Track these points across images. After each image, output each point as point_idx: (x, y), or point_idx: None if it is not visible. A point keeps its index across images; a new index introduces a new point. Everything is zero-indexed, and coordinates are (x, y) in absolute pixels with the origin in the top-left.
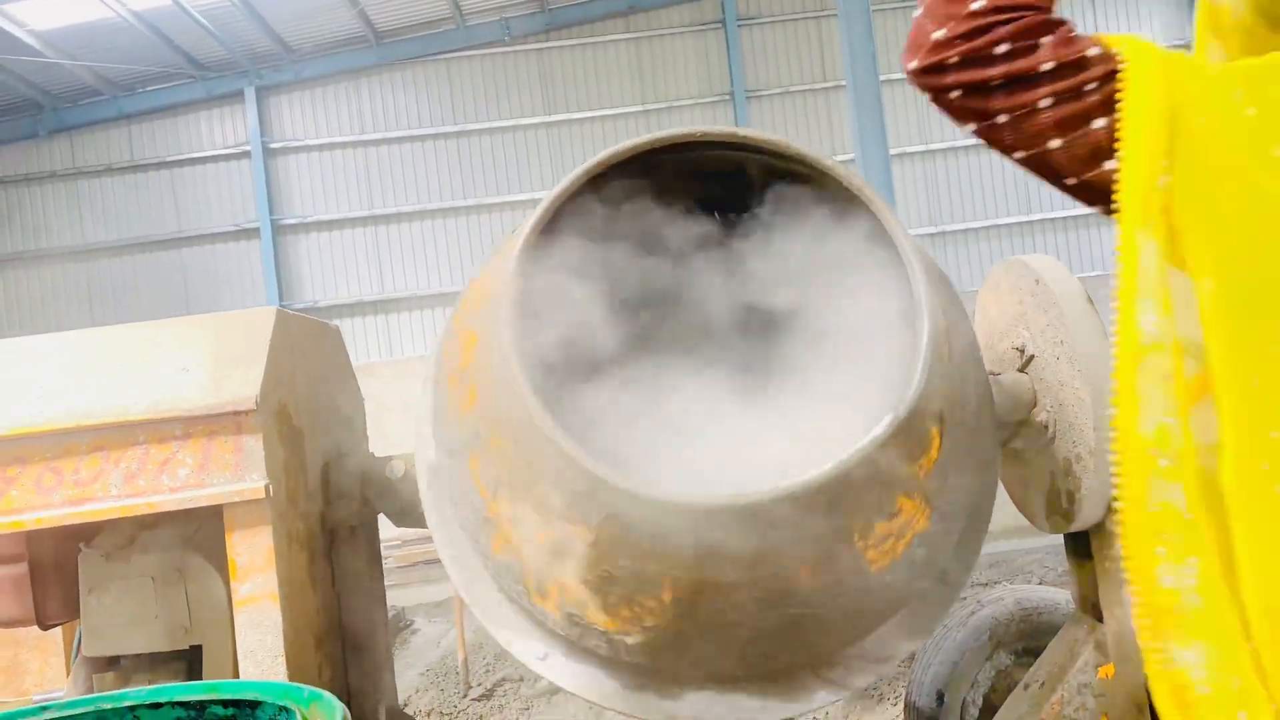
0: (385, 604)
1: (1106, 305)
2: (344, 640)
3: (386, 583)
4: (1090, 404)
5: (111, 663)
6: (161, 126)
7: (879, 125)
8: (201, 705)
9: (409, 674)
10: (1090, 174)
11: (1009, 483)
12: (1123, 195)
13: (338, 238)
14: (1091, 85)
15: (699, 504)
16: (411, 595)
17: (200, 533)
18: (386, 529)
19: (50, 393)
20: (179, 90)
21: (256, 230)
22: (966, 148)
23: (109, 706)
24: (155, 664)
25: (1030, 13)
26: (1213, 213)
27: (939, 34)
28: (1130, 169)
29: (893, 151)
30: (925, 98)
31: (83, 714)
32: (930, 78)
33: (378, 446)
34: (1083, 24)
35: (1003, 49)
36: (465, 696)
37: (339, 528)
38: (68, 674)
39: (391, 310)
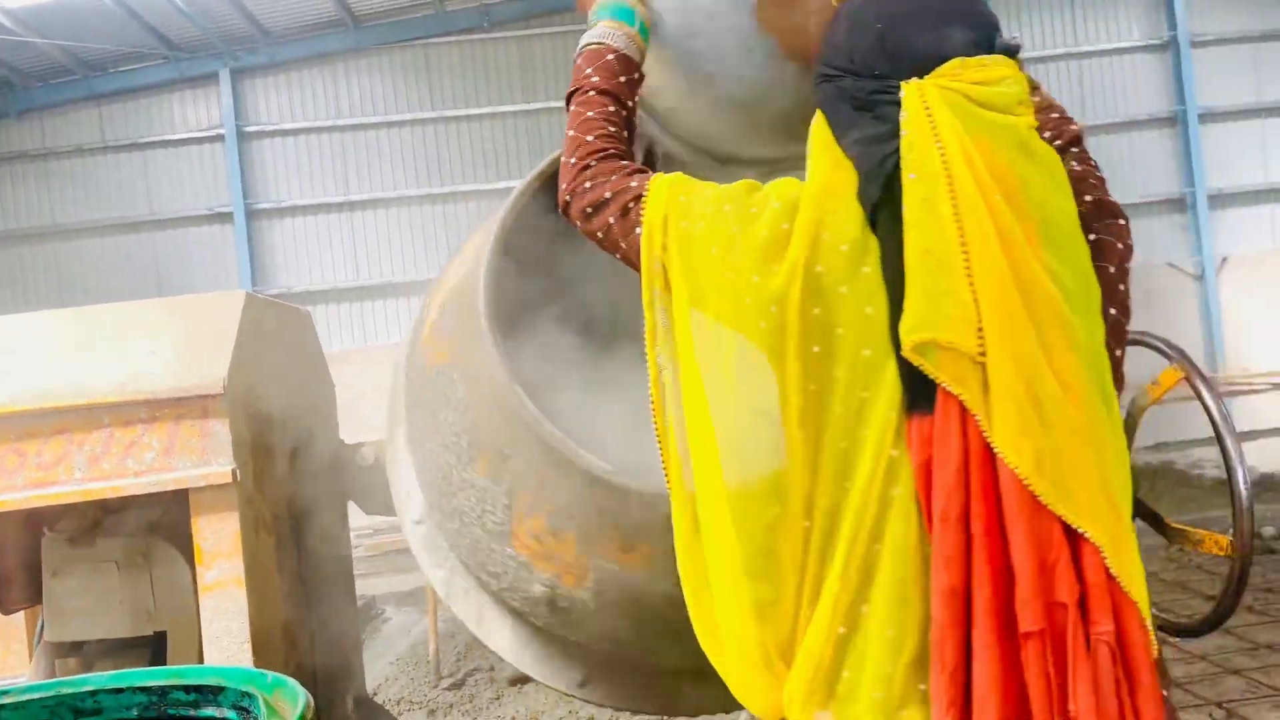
0: (354, 591)
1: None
2: (312, 627)
3: (357, 571)
4: None
5: (74, 648)
6: (134, 108)
7: None
8: (164, 690)
9: (379, 663)
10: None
11: None
12: (644, 277)
13: (313, 223)
14: (630, 206)
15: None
16: (383, 584)
17: (166, 517)
18: (358, 517)
19: (13, 374)
20: (152, 71)
21: (230, 214)
22: None
23: (69, 691)
24: (119, 650)
25: (604, 162)
26: (684, 286)
27: (562, 186)
28: (644, 259)
29: None
30: None
31: (43, 698)
32: (565, 213)
33: (351, 434)
34: (1068, 29)
35: (586, 186)
36: (436, 686)
37: (307, 514)
38: (30, 660)
39: (366, 297)
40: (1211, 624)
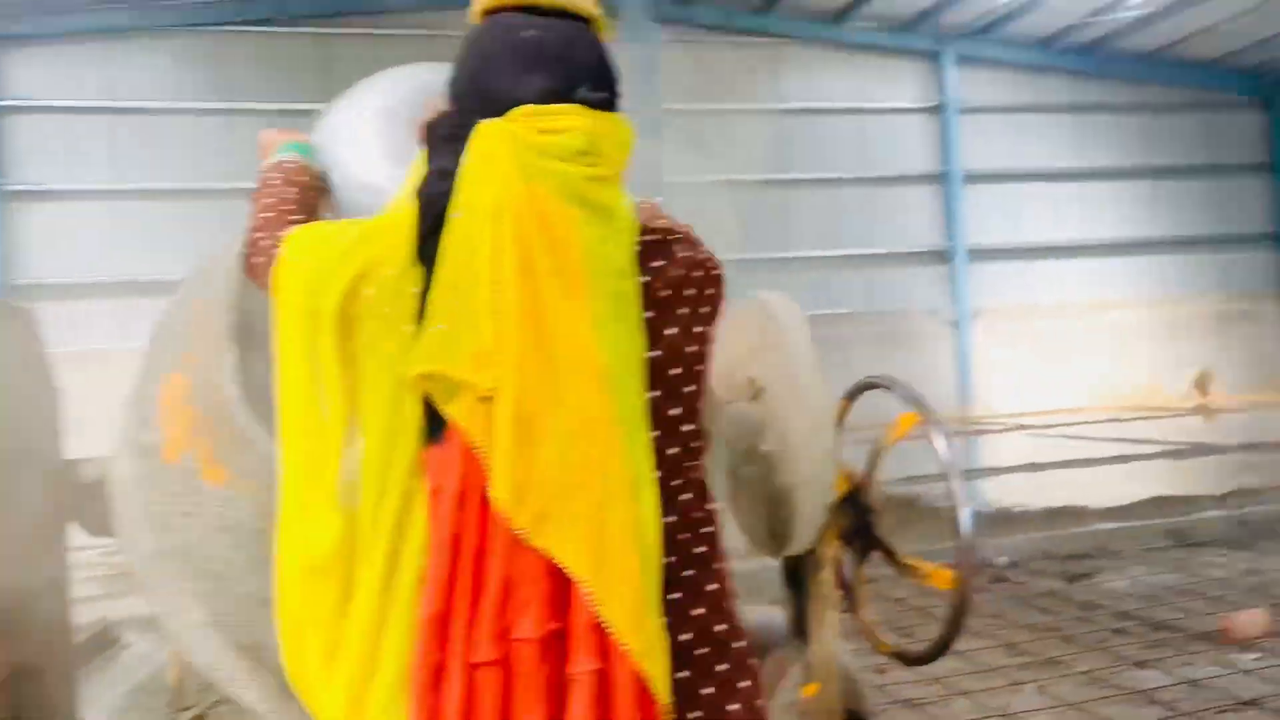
0: (69, 619)
1: (833, 344)
2: (17, 659)
3: (97, 593)
4: (807, 436)
5: None
6: None
7: (656, 154)
8: None
9: (112, 694)
10: None
11: (736, 507)
12: None
13: (75, 210)
14: (275, 251)
15: None
16: (121, 608)
17: None
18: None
19: None
20: None
21: None
22: (735, 183)
23: None
24: None
25: (279, 217)
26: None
27: (245, 251)
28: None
29: (665, 179)
30: (698, 130)
31: None
32: (247, 271)
33: (101, 441)
34: (851, 86)
35: (259, 240)
36: (174, 718)
37: (16, 534)
38: None
39: (132, 294)
40: (936, 652)
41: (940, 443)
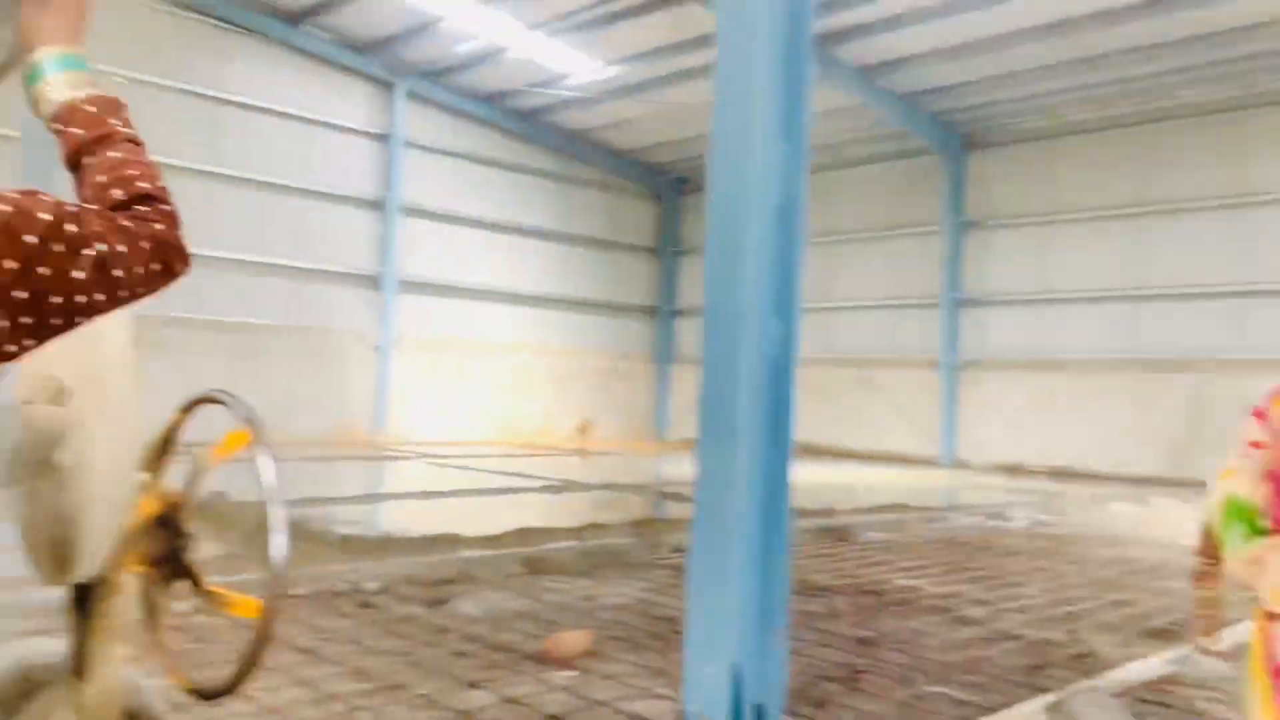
0: None
1: (248, 354)
2: None
3: None
4: (108, 449)
5: None
6: None
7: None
8: None
9: None
10: None
11: (23, 528)
12: None
13: None
14: None
15: None
16: None
17: None
18: None
19: None
20: None
21: None
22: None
23: None
24: None
25: None
26: None
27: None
28: None
29: None
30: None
31: None
32: None
33: None
34: (299, 91)
35: None
36: None
37: None
38: None
39: None
40: (232, 685)
41: (266, 466)
